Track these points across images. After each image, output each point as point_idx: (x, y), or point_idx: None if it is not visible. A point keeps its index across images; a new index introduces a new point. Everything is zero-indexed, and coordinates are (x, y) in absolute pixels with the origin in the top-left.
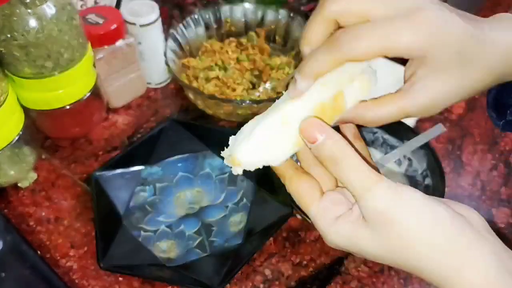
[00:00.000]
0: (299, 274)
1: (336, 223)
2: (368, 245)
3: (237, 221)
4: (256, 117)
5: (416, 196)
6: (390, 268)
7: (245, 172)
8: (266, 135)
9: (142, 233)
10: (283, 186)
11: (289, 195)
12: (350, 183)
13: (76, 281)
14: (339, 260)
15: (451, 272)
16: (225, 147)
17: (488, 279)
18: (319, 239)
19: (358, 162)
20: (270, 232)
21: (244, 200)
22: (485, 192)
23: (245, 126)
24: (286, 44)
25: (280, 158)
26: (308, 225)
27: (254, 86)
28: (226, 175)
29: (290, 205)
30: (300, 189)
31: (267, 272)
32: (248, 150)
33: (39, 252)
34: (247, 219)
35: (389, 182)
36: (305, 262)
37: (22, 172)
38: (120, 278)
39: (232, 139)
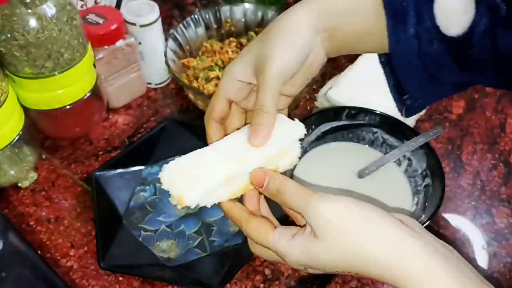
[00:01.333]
0: (299, 274)
1: (293, 241)
2: (323, 252)
3: None
4: (195, 155)
5: (348, 199)
6: None
7: None
8: (211, 190)
9: (142, 232)
10: None
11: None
12: (293, 205)
13: (76, 281)
14: None
15: (394, 260)
16: (161, 172)
17: (427, 262)
18: None
19: (294, 185)
20: None
21: None
22: (485, 192)
23: (182, 160)
24: None
25: (218, 200)
26: None
27: None
28: None
29: None
30: (255, 227)
31: (267, 271)
32: (195, 198)
33: (39, 252)
34: None
35: (319, 194)
36: None
37: (22, 172)
38: (120, 278)
39: (167, 168)
